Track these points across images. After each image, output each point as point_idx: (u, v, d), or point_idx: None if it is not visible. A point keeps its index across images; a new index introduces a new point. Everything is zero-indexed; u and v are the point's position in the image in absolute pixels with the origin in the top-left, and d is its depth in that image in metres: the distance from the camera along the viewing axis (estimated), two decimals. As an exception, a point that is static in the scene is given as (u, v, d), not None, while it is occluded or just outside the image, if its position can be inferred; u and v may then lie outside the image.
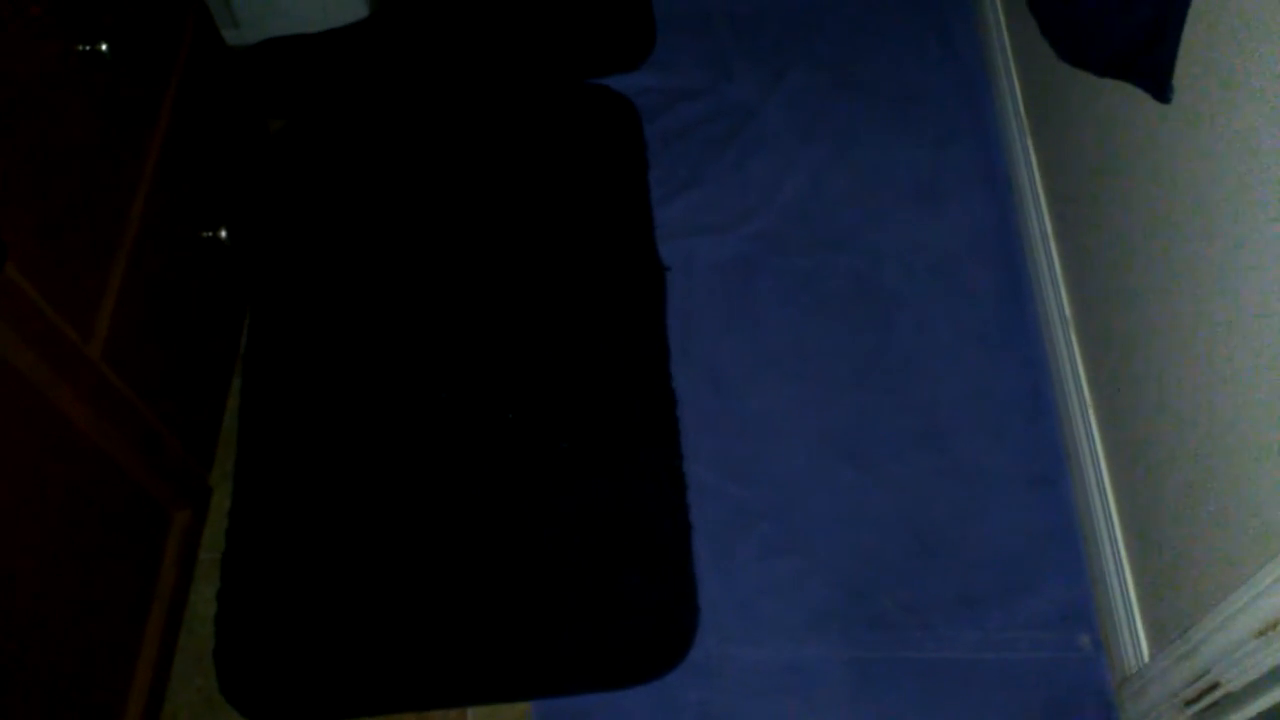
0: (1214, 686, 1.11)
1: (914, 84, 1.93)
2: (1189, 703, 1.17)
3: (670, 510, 1.51)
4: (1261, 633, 1.01)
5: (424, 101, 1.95)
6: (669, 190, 1.83)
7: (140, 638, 1.31)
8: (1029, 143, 1.72)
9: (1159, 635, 1.27)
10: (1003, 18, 1.88)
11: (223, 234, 1.46)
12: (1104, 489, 1.41)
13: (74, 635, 1.17)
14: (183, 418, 1.41)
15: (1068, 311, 1.54)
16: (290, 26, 2.02)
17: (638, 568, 1.46)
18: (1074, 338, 1.52)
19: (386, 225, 1.79)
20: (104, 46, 1.15)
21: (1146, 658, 1.29)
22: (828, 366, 1.63)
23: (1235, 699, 1.09)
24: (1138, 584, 1.33)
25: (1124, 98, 1.31)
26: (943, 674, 1.38)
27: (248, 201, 1.69)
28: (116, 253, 1.23)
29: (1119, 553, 1.36)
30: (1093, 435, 1.45)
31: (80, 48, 1.15)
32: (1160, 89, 1.17)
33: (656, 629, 1.42)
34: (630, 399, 1.60)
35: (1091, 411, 1.46)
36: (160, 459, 1.33)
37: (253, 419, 1.61)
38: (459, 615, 1.44)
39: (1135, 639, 1.31)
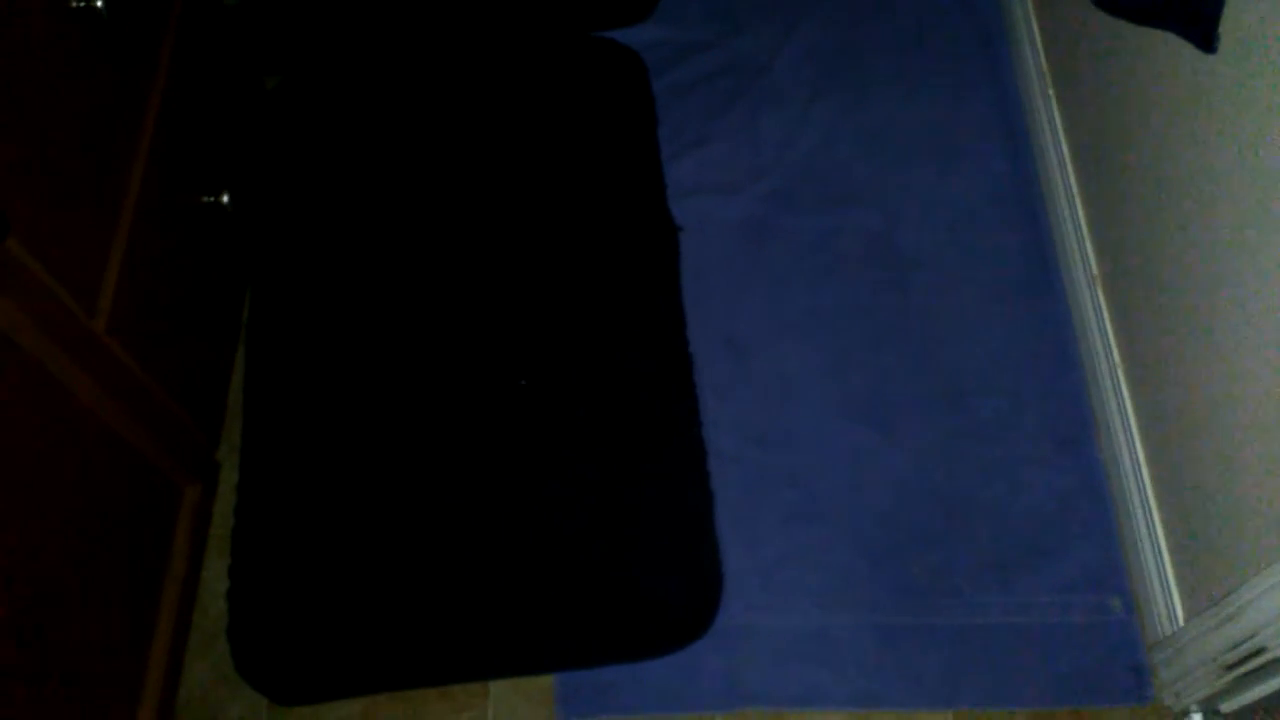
0: (1259, 651, 1.09)
1: (928, 36, 1.87)
2: (1229, 667, 1.15)
3: (690, 477, 1.47)
4: (1315, 599, 0.99)
5: (424, 56, 1.89)
6: (679, 147, 1.78)
7: (155, 616, 1.28)
8: (1050, 94, 1.68)
9: (1194, 598, 1.25)
10: (1021, -35, 1.82)
11: (224, 199, 1.40)
12: (1134, 450, 1.38)
13: (89, 615, 1.13)
14: (189, 390, 1.36)
15: (1095, 269, 1.51)
16: (281, -20, 1.94)
17: (659, 536, 1.43)
18: (1102, 296, 1.49)
19: (388, 185, 1.74)
20: (99, 2, 1.09)
21: (1181, 621, 1.27)
22: (846, 327, 1.59)
23: (1280, 664, 1.08)
24: (1170, 546, 1.31)
25: (1160, 46, 1.27)
26: (971, 640, 1.36)
27: (247, 163, 1.63)
28: (118, 221, 1.18)
29: (1151, 515, 1.34)
30: (1122, 395, 1.42)
31: (74, 4, 1.09)
32: (1205, 38, 1.12)
33: (680, 598, 1.39)
34: (646, 363, 1.56)
35: (1121, 372, 1.43)
36: (168, 433, 1.29)
37: (258, 389, 1.56)
38: (478, 587, 1.41)
39: (1169, 602, 1.29)
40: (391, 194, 1.73)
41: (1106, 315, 1.47)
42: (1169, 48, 1.24)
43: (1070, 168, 1.60)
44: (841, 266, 1.65)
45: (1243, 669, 1.13)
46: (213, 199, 1.40)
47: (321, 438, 1.52)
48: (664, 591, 1.40)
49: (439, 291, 1.63)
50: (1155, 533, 1.33)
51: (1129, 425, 1.40)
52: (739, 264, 1.66)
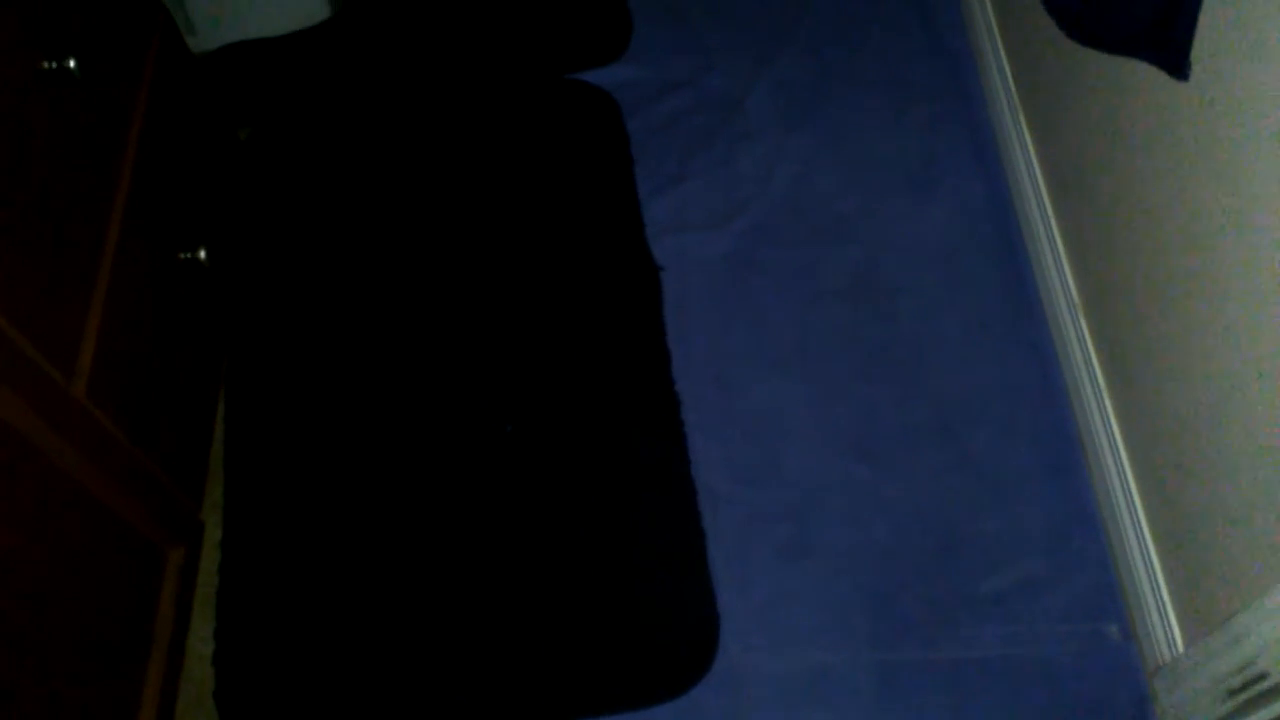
0: (1262, 676, 1.09)
1: (899, 68, 1.89)
2: (1233, 692, 1.14)
3: (682, 518, 1.46)
4: (1318, 623, 0.99)
5: (396, 104, 1.88)
6: (656, 186, 1.78)
7: (141, 683, 1.24)
8: (1022, 123, 1.69)
9: (1193, 623, 1.25)
10: (987, -2, 1.85)
11: (201, 254, 1.38)
12: (1125, 475, 1.38)
13: (73, 688, 1.10)
14: (171, 451, 1.34)
15: (1075, 296, 1.52)
16: (249, 31, 1.94)
17: (652, 580, 1.42)
18: (1083, 322, 1.50)
19: (366, 234, 1.72)
20: (72, 63, 1.07)
21: (1180, 647, 1.26)
22: (831, 361, 1.59)
23: (1285, 688, 1.08)
24: (1166, 571, 1.31)
25: (1131, 74, 1.28)
26: (971, 672, 1.35)
27: (223, 217, 1.61)
28: (95, 282, 1.16)
29: (1145, 540, 1.34)
30: (1109, 420, 1.42)
31: (46, 65, 1.07)
32: (1178, 66, 1.14)
33: (676, 643, 1.37)
34: (632, 405, 1.55)
35: (1107, 396, 1.43)
36: (151, 497, 1.26)
37: (239, 445, 1.54)
38: (469, 641, 1.38)
39: (1167, 628, 1.29)
40: (369, 243, 1.71)
41: (1089, 341, 1.48)
42: (1140, 76, 1.25)
43: (1046, 196, 1.61)
44: (824, 299, 1.65)
45: (1246, 694, 1.12)
46: (189, 255, 1.38)
47: (306, 493, 1.49)
48: (658, 636, 1.38)
49: (420, 339, 1.61)
50: (1150, 558, 1.32)
51: (1118, 451, 1.40)
52: (722, 301, 1.66)
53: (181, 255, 1.38)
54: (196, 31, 1.91)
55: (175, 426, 1.37)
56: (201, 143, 1.58)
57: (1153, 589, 1.31)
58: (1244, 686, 1.12)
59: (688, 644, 1.37)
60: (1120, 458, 1.39)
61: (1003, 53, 1.77)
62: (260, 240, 1.72)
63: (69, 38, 1.15)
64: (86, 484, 1.12)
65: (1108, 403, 1.43)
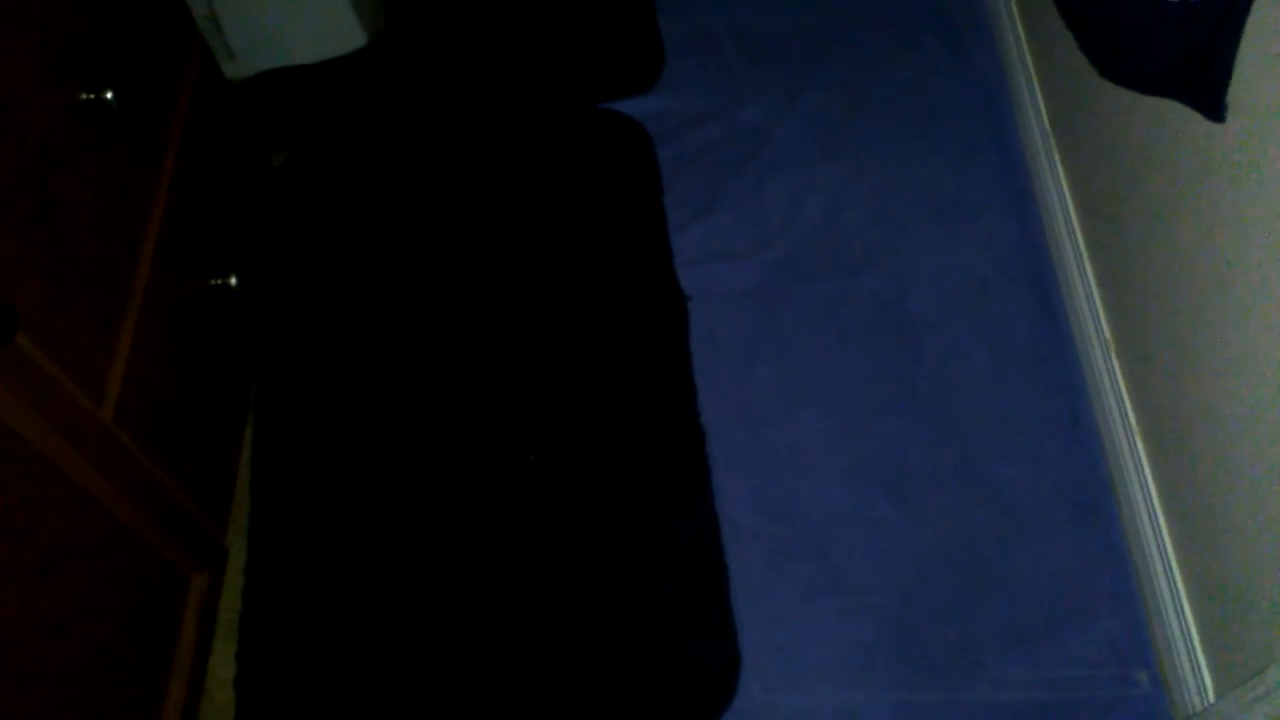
0: (1296, 731, 1.06)
1: (930, 100, 1.89)
2: (1266, 746, 1.12)
3: (704, 552, 1.45)
4: (1354, 679, 0.96)
5: (429, 132, 1.90)
6: (685, 216, 1.78)
7: (162, 709, 1.25)
8: (1055, 157, 1.68)
9: (1226, 672, 1.22)
10: (1021, 30, 1.84)
11: (232, 281, 1.40)
12: (1155, 516, 1.36)
13: (93, 712, 1.10)
14: (197, 476, 1.35)
15: (1107, 333, 1.50)
16: (287, 58, 1.96)
17: (674, 614, 1.41)
18: (1115, 360, 1.47)
19: (396, 260, 1.74)
20: (109, 94, 1.09)
21: (1212, 696, 1.24)
22: (858, 395, 1.58)
23: (1319, 743, 1.05)
24: (1198, 618, 1.28)
25: (1166, 113, 1.27)
26: (995, 716, 1.33)
27: (255, 243, 1.63)
28: (126, 308, 1.17)
29: (1176, 585, 1.31)
30: (1140, 460, 1.40)
31: (84, 96, 1.09)
32: (1213, 108, 1.12)
33: (697, 679, 1.36)
34: (656, 436, 1.55)
35: (1138, 436, 1.41)
36: (176, 522, 1.27)
37: (267, 471, 1.55)
38: (490, 673, 1.38)
39: (1198, 675, 1.26)
40: (399, 270, 1.73)
41: (1121, 380, 1.46)
42: (1175, 115, 1.24)
43: (1078, 231, 1.60)
44: (852, 333, 1.64)
45: (1279, 748, 1.09)
46: (220, 281, 1.40)
47: (331, 520, 1.50)
48: (679, 671, 1.37)
49: (448, 368, 1.62)
50: (1181, 604, 1.30)
51: (1149, 492, 1.38)
52: (749, 333, 1.65)
53: (213, 281, 1.39)
54: (236, 58, 1.93)
55: (202, 451, 1.39)
56: (236, 169, 1.60)
57: (1184, 635, 1.29)
58: (1277, 740, 1.09)
59: (708, 680, 1.36)
60: (1151, 499, 1.37)
61: (1036, 85, 1.76)
62: (291, 267, 1.74)
63: (107, 69, 1.17)
64: (111, 507, 1.13)
65: (1139, 442, 1.41)
